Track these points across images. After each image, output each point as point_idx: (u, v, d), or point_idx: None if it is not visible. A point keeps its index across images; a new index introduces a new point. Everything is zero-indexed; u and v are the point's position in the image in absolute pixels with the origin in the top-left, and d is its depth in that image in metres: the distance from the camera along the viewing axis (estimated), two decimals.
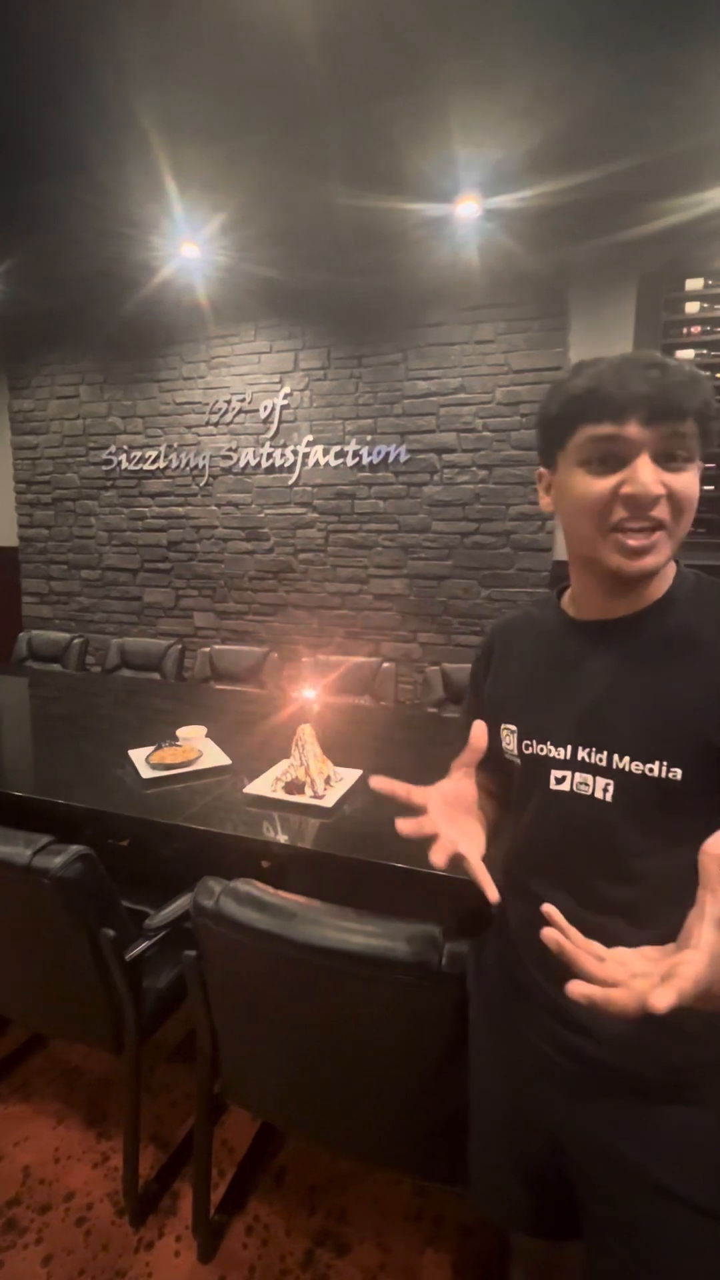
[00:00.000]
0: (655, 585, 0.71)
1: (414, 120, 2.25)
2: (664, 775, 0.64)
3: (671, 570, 0.73)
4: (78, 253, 3.27)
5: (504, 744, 0.79)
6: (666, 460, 0.64)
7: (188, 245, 3.15)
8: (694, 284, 2.99)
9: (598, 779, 0.69)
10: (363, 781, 1.64)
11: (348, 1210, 1.32)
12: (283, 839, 1.38)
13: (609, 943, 0.53)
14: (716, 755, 0.63)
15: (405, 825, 0.68)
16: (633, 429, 0.63)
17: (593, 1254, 0.73)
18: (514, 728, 0.78)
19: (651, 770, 0.65)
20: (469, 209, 2.77)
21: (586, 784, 0.69)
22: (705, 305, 2.99)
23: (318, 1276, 1.20)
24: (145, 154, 2.41)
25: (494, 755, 0.80)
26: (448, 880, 1.18)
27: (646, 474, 0.63)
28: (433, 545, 3.59)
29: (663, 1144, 0.67)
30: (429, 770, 1.81)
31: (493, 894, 0.64)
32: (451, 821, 0.71)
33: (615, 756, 0.68)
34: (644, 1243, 0.67)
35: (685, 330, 3.02)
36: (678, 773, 0.64)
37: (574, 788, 0.71)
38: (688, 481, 0.64)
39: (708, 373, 0.68)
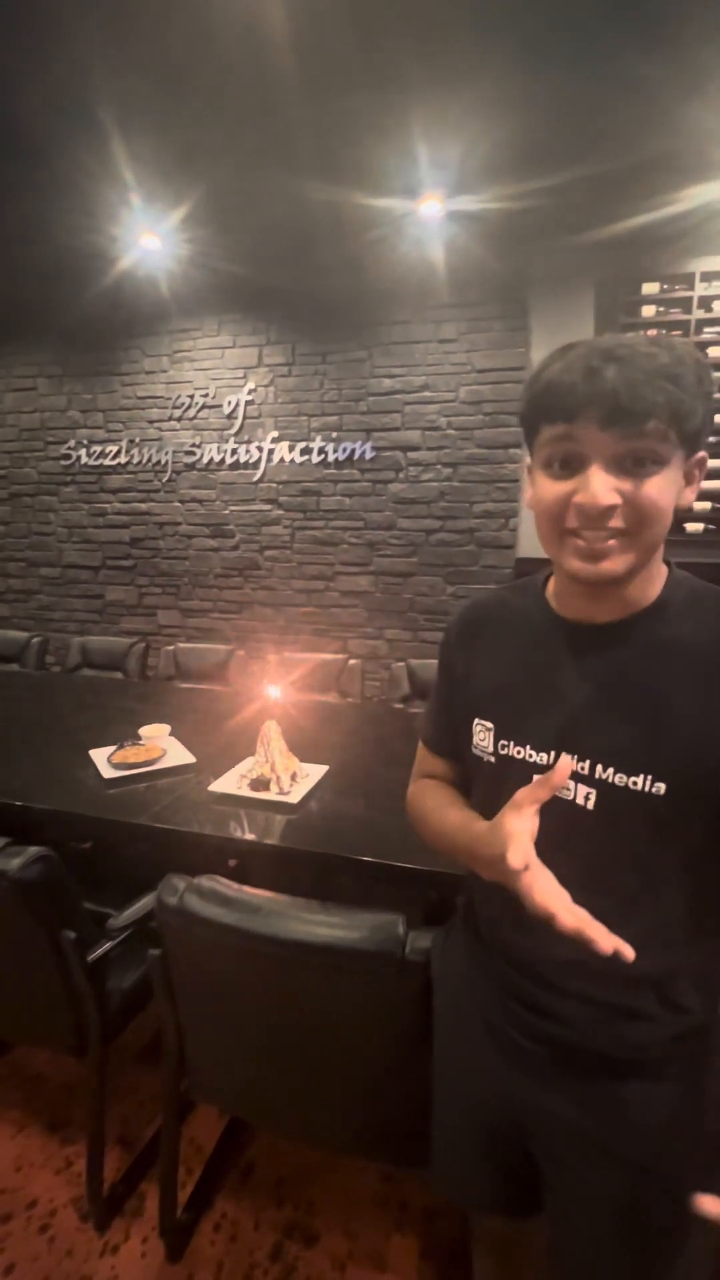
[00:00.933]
0: (640, 589, 0.66)
1: (377, 116, 2.25)
2: (648, 790, 0.62)
3: (661, 573, 0.68)
4: (33, 241, 3.19)
5: (475, 739, 0.76)
6: (632, 465, 0.59)
7: (148, 236, 3.10)
8: (650, 288, 3.07)
9: (580, 786, 0.67)
10: (329, 777, 1.65)
11: (315, 1201, 1.33)
12: (249, 836, 1.37)
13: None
14: (704, 773, 0.61)
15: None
16: (587, 431, 0.58)
17: (558, 1227, 0.76)
18: (490, 725, 0.74)
19: (635, 784, 0.63)
20: (432, 208, 2.79)
21: (568, 790, 0.67)
22: (661, 309, 3.07)
23: (286, 1268, 1.21)
24: (103, 141, 2.36)
25: (459, 746, 0.80)
26: (412, 872, 1.20)
27: (597, 483, 0.59)
28: (398, 542, 3.62)
29: (627, 1118, 0.69)
30: (394, 764, 1.82)
31: (608, 945, 0.54)
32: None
33: (599, 767, 0.65)
34: (609, 1211, 0.69)
35: (642, 334, 3.10)
36: (661, 787, 0.62)
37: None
38: (653, 488, 0.59)
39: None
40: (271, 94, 2.13)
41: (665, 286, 3.06)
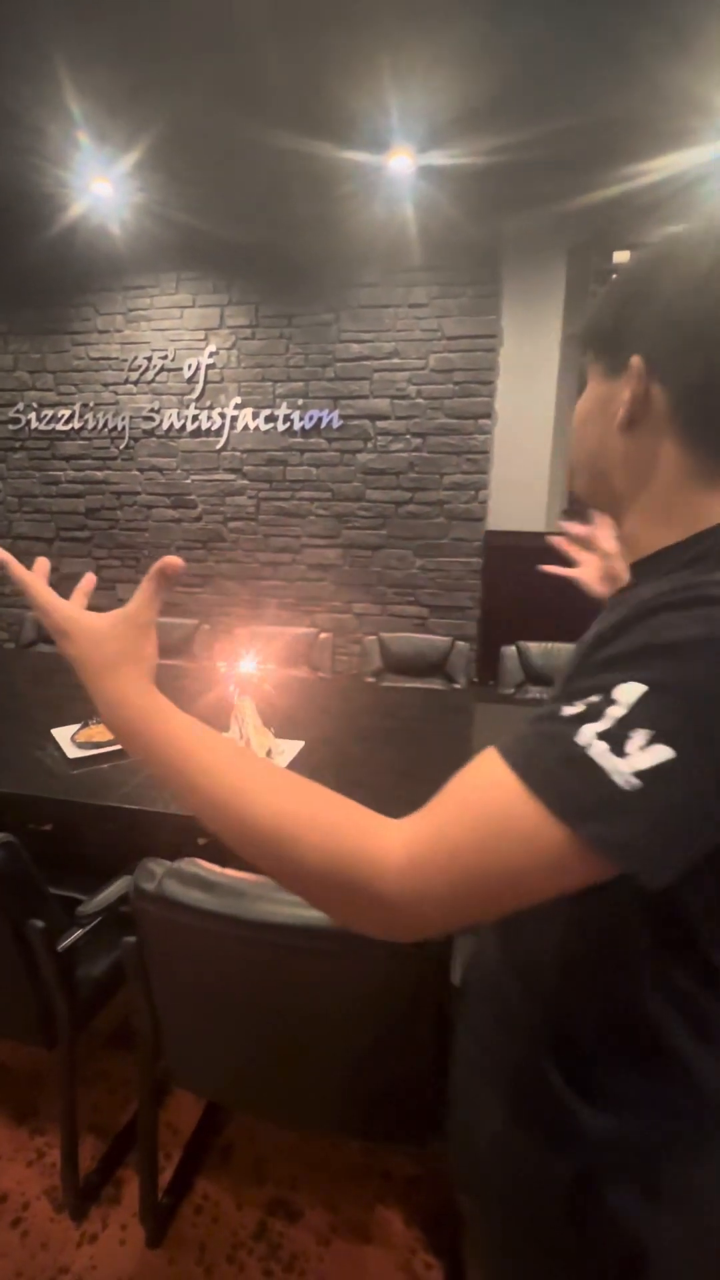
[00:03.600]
0: (636, 532, 0.52)
1: (345, 59, 2.12)
2: None
3: (681, 524, 0.48)
4: None
5: None
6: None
7: (99, 181, 2.89)
8: (621, 256, 3.04)
9: None
10: (304, 753, 1.61)
11: (297, 1177, 1.32)
12: None
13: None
14: None
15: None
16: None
17: None
18: None
19: None
20: (402, 163, 2.68)
21: None
22: None
23: (271, 1246, 1.20)
24: (43, 65, 2.16)
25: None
26: None
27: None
28: (367, 514, 3.55)
29: None
30: (371, 739, 1.78)
31: None
32: None
33: None
34: None
35: None
36: None
37: None
38: (577, 406, 0.55)
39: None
40: (231, 25, 1.98)
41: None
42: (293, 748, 1.61)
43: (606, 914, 0.47)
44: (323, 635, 2.78)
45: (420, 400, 3.36)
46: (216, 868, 0.95)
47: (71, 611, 0.54)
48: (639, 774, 0.36)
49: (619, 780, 0.36)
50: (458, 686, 2.58)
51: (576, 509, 3.32)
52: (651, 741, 0.36)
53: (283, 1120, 1.26)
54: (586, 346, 0.54)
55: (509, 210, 3.05)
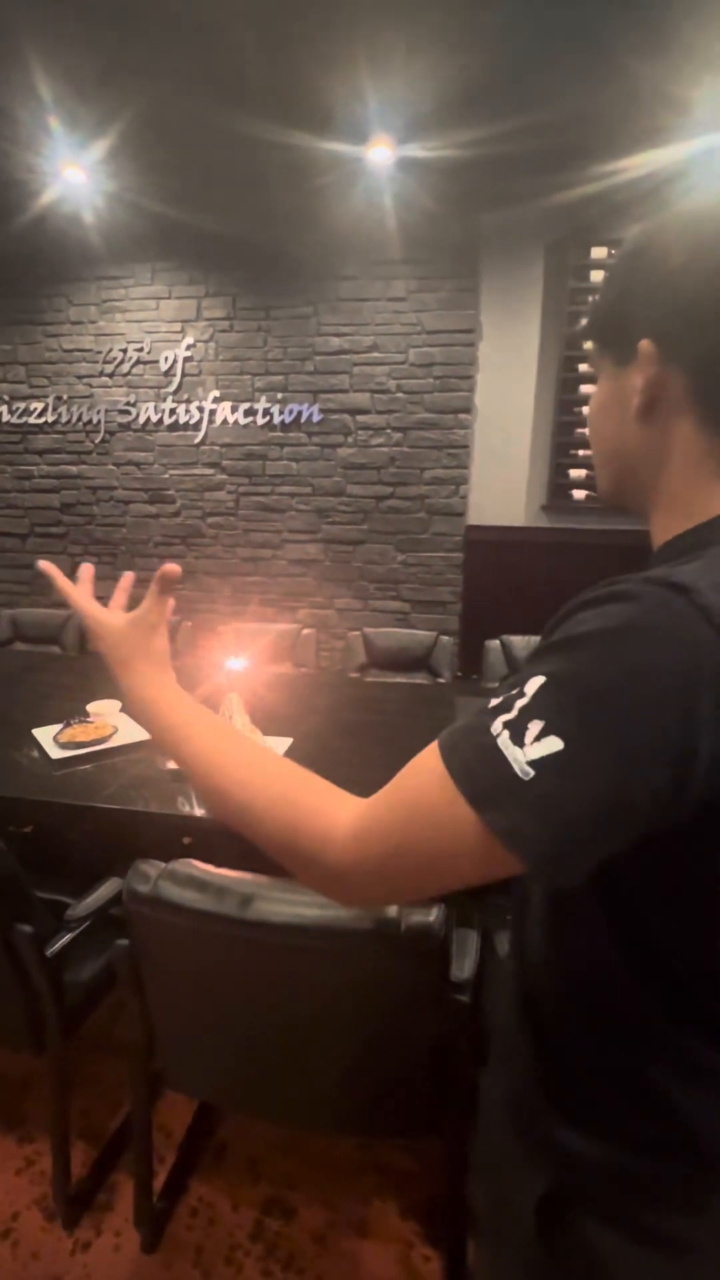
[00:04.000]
0: (658, 520, 0.50)
1: (320, 47, 2.10)
2: None
3: (704, 511, 0.46)
4: None
5: None
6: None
7: (71, 168, 2.82)
8: (599, 253, 3.06)
9: None
10: (294, 750, 1.60)
11: (292, 1175, 1.32)
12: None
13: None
14: None
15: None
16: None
17: None
18: None
19: None
20: (382, 154, 2.66)
21: None
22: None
23: (268, 1245, 1.19)
24: (11, 50, 2.09)
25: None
26: None
27: None
28: (348, 509, 3.53)
29: None
30: (358, 734, 1.77)
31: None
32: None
33: None
34: None
35: (589, 298, 3.10)
36: None
37: None
38: (590, 404, 0.55)
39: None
40: (204, 9, 1.93)
41: (613, 252, 3.05)
42: (282, 744, 1.59)
43: (596, 952, 0.47)
44: (306, 631, 2.76)
45: (400, 395, 3.36)
46: (211, 868, 0.94)
47: (99, 614, 0.61)
48: (532, 763, 0.37)
49: (517, 769, 0.37)
50: (442, 681, 2.59)
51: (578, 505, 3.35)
52: (544, 732, 0.37)
53: (280, 1119, 1.25)
54: (592, 342, 0.53)
55: (487, 205, 3.06)
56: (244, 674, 1.61)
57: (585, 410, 0.50)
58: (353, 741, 1.81)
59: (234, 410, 3.50)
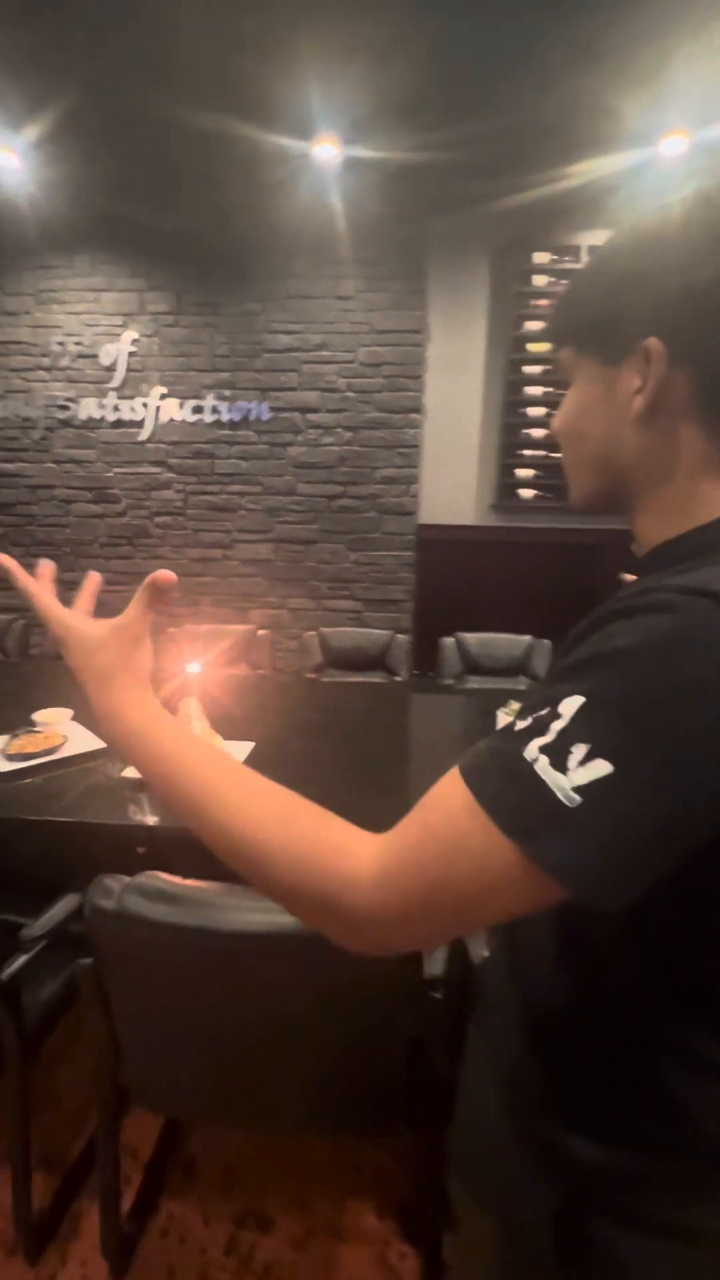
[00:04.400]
0: (647, 527, 0.49)
1: (262, 40, 2.07)
2: None
3: (692, 516, 0.46)
4: None
5: None
6: (565, 388, 0.53)
7: (3, 152, 2.69)
8: (541, 258, 3.14)
9: None
10: (255, 754, 1.57)
11: (266, 1184, 1.30)
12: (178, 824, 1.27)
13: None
14: None
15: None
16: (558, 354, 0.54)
17: None
18: None
19: None
20: (328, 152, 2.65)
21: None
22: (551, 280, 3.15)
23: (243, 1259, 1.17)
24: None
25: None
26: None
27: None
28: (299, 508, 3.51)
29: None
30: (317, 736, 1.76)
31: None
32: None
33: None
34: None
35: (532, 303, 3.18)
36: None
37: None
38: (561, 411, 0.53)
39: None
40: None
41: (555, 257, 3.14)
42: (242, 749, 1.57)
43: (607, 952, 0.46)
44: (261, 632, 2.73)
45: (350, 394, 3.36)
46: (178, 879, 0.91)
47: (69, 620, 0.52)
48: (579, 789, 0.34)
49: (561, 796, 0.35)
50: (399, 679, 2.61)
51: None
52: (590, 756, 0.34)
53: (256, 1126, 1.24)
54: (569, 342, 0.51)
55: (433, 208, 3.09)
56: (200, 678, 1.58)
57: (531, 411, 0.48)
58: (313, 742, 1.80)
59: (181, 407, 3.43)
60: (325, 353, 3.33)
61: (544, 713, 0.37)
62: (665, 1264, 0.48)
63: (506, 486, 3.38)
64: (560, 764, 0.35)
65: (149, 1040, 1.01)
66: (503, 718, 1.57)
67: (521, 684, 2.48)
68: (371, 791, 1.47)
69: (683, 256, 0.42)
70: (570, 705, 0.36)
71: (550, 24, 1.99)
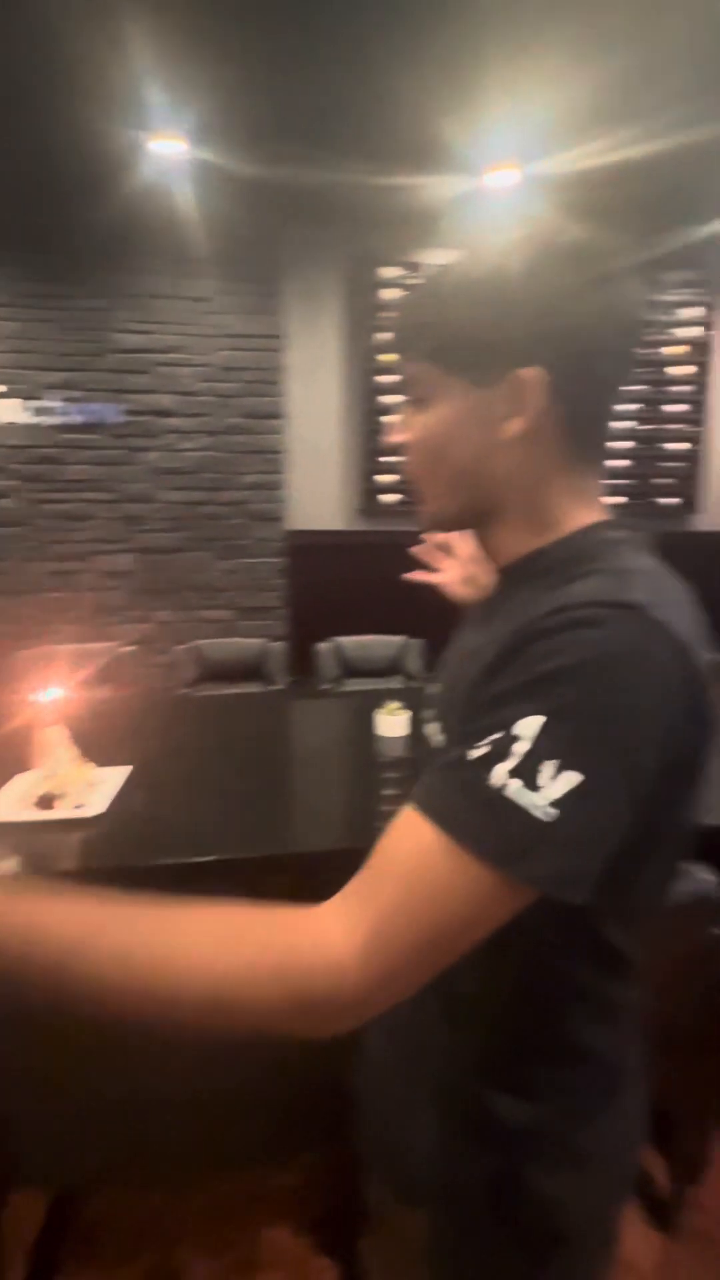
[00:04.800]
0: (507, 541, 0.52)
1: (91, 23, 1.95)
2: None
3: (559, 526, 0.50)
4: None
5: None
6: (414, 403, 0.52)
7: None
8: (390, 272, 3.26)
9: None
10: (135, 778, 1.48)
11: (176, 1234, 1.23)
12: (62, 865, 1.17)
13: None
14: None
15: None
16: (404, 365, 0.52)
17: None
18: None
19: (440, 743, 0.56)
20: (172, 149, 2.55)
21: None
22: (399, 293, 3.28)
23: None
24: None
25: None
26: (259, 860, 1.14)
27: (400, 420, 0.53)
28: (161, 516, 3.36)
29: None
30: (196, 755, 1.71)
31: None
32: None
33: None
34: None
35: (382, 315, 3.29)
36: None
37: None
38: (418, 425, 0.51)
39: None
40: None
41: (402, 272, 3.28)
42: (118, 775, 1.47)
43: (528, 922, 0.47)
44: (123, 649, 2.58)
45: (210, 398, 3.27)
46: None
47: None
48: (555, 803, 0.37)
49: (539, 814, 0.37)
50: (277, 688, 2.59)
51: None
52: (560, 770, 0.37)
53: (170, 1177, 1.16)
54: (427, 358, 0.49)
55: (287, 216, 3.09)
56: (60, 704, 1.46)
57: (389, 419, 0.48)
58: (194, 760, 1.73)
59: (22, 409, 3.14)
60: (181, 354, 3.21)
61: (498, 737, 0.39)
62: (594, 1190, 0.53)
63: (371, 491, 3.48)
64: (531, 784, 0.37)
65: (37, 1110, 0.92)
66: (382, 718, 1.61)
67: (397, 684, 2.57)
68: (261, 812, 1.43)
69: (566, 294, 0.45)
70: (529, 726, 0.38)
71: (392, 53, 2.06)
